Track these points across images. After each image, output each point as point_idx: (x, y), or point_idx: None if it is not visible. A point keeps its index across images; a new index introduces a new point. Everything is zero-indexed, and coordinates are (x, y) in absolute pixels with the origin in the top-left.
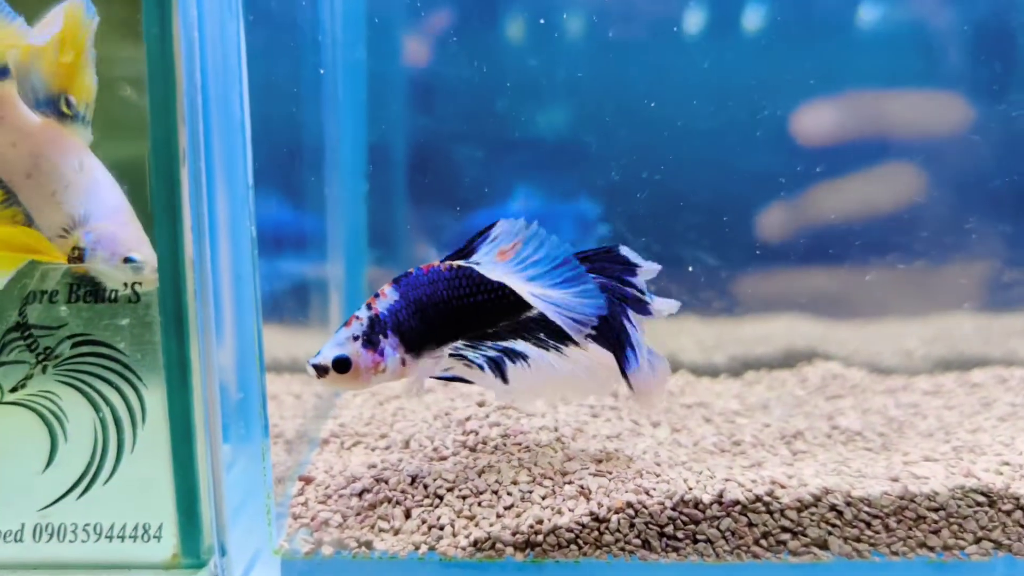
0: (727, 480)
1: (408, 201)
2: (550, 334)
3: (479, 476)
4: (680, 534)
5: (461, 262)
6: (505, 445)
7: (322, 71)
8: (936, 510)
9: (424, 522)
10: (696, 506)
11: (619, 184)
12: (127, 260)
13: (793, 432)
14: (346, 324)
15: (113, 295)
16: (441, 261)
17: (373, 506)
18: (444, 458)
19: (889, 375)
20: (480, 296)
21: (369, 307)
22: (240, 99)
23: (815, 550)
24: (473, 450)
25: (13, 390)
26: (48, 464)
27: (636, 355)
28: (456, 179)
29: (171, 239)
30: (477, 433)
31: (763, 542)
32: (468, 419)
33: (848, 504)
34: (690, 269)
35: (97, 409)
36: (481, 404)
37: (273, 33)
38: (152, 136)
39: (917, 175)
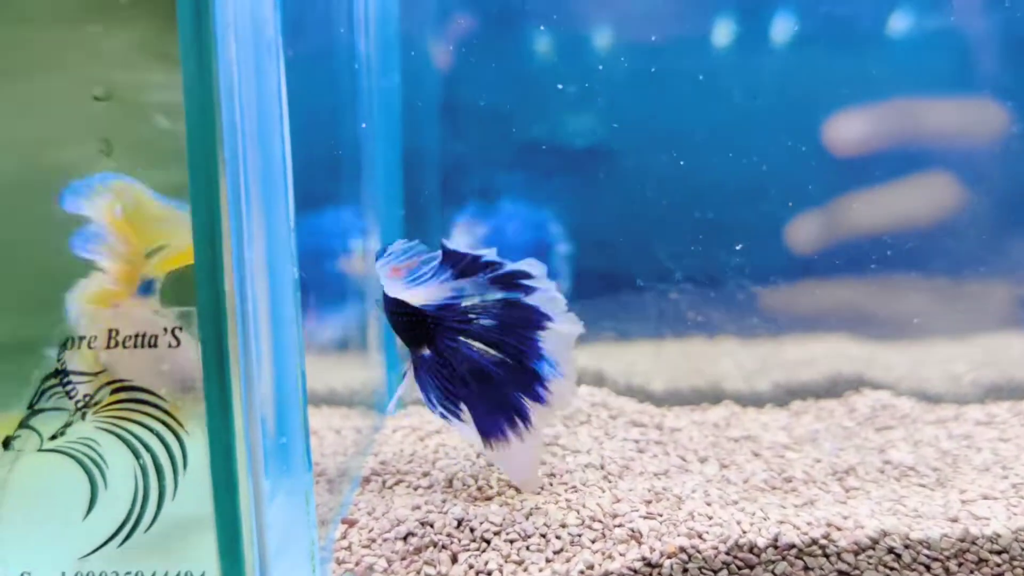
0: (781, 523)
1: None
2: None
3: (526, 519)
4: None
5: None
6: (551, 485)
7: (364, 125)
8: (999, 552)
9: (472, 567)
10: (751, 550)
11: (653, 201)
12: None
13: (845, 467)
14: None
15: (153, 340)
16: None
17: (419, 550)
18: (489, 499)
19: (939, 404)
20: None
21: None
22: (281, 140)
23: None
24: (519, 490)
25: (53, 437)
26: (88, 511)
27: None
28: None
29: (212, 283)
30: None
31: None
32: None
33: (906, 547)
34: (727, 288)
35: (138, 456)
36: None
37: (311, 67)
38: (192, 179)
39: (960, 185)
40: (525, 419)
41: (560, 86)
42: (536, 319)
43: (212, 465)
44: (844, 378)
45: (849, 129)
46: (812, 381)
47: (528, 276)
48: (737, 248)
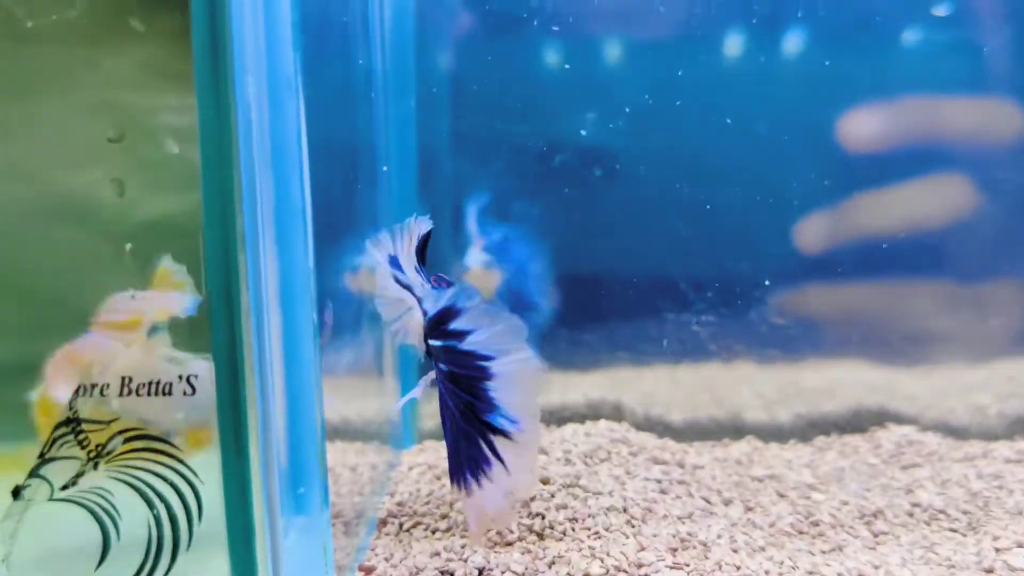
0: (811, 573)
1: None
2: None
3: (549, 568)
4: None
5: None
6: (574, 531)
7: (385, 168)
8: None
9: None
10: None
11: (669, 222)
12: None
13: (873, 510)
14: None
15: (168, 388)
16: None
17: None
18: (510, 544)
19: (966, 440)
20: None
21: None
22: (300, 182)
23: None
24: (540, 536)
25: (64, 487)
26: (100, 563)
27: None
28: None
29: (228, 330)
30: (543, 517)
31: None
32: (533, 499)
33: None
34: (743, 310)
35: (151, 506)
36: (545, 482)
37: (330, 102)
38: (206, 219)
39: (974, 192)
40: (485, 471)
41: (581, 112)
42: (479, 365)
43: (227, 516)
44: (867, 410)
45: (866, 126)
46: (834, 413)
47: (456, 314)
48: (746, 264)
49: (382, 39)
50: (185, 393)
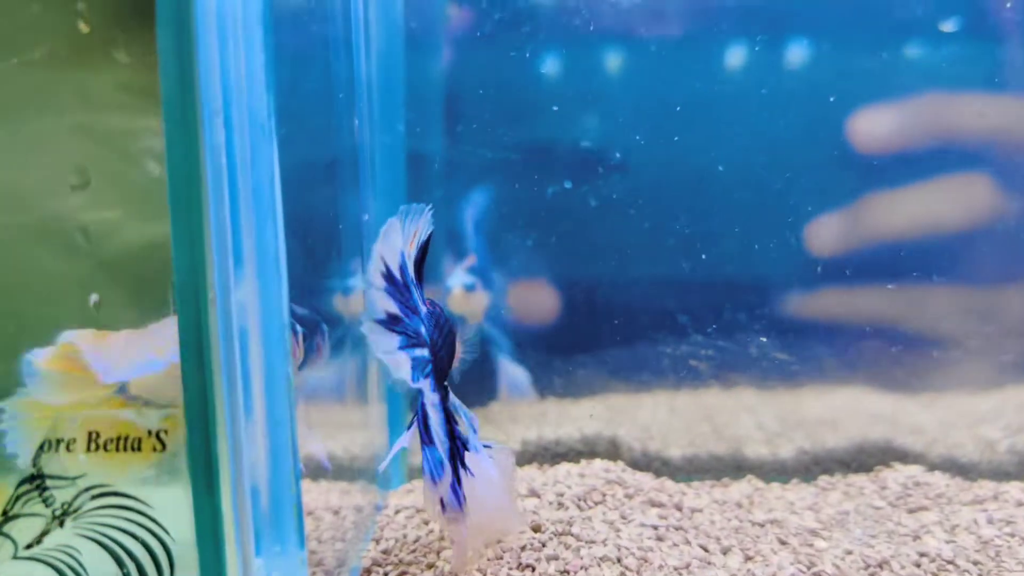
0: None
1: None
2: None
3: None
4: None
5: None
6: None
7: (367, 217)
8: None
9: None
10: None
11: (665, 243)
12: None
13: (878, 560)
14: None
15: (136, 443)
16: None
17: None
18: None
19: (975, 480)
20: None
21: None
22: (274, 226)
23: None
24: None
25: (28, 546)
26: None
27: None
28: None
29: (199, 386)
30: (534, 569)
31: None
32: (524, 548)
33: None
34: (741, 333)
35: (121, 564)
36: (536, 529)
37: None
38: (176, 267)
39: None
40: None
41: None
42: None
43: (201, 571)
44: (872, 444)
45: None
46: (838, 448)
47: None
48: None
49: (367, 48)
50: (155, 449)
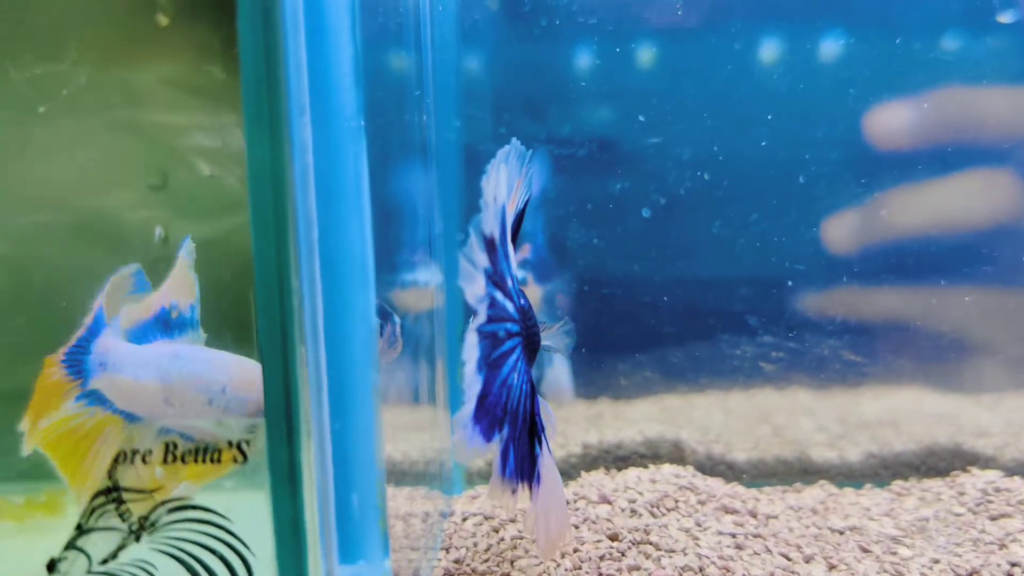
0: None
1: None
2: None
3: None
4: None
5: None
6: None
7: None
8: None
9: None
10: None
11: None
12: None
13: (968, 570)
14: None
15: (216, 455)
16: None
17: None
18: None
19: None
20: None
21: None
22: (361, 230)
23: None
24: None
25: (104, 561)
26: None
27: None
28: None
29: (282, 393)
30: None
31: None
32: (603, 558)
33: None
34: (796, 333)
35: None
36: (614, 538)
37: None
38: (258, 275)
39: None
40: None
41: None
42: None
43: None
44: (941, 447)
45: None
46: (906, 451)
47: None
48: (789, 285)
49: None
50: (236, 461)
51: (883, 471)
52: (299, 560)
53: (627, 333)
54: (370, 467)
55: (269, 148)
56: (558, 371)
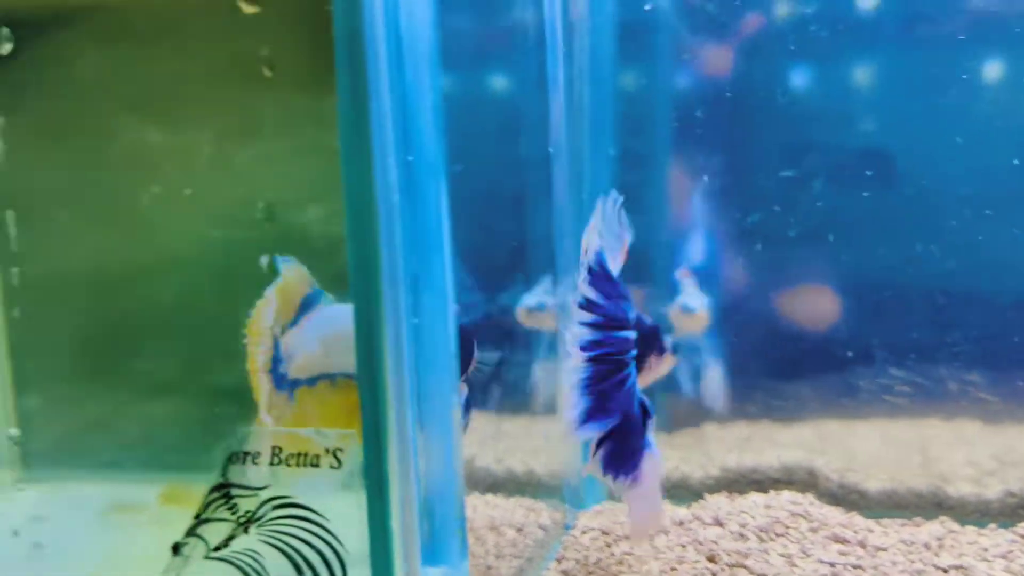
0: None
1: None
2: None
3: None
4: None
5: None
6: None
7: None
8: None
9: None
10: None
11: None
12: None
13: None
14: None
15: (315, 460)
16: None
17: None
18: None
19: None
20: None
21: None
22: (442, 258)
23: None
24: None
25: (217, 548)
26: None
27: None
28: None
29: (373, 409)
30: None
31: None
32: None
33: None
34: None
35: (299, 570)
36: (711, 559)
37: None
38: (354, 296)
39: None
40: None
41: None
42: None
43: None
44: None
45: None
46: None
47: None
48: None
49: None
50: (332, 467)
51: (1020, 511)
52: (387, 560)
53: (792, 355)
54: (451, 481)
55: (359, 185)
56: (711, 381)
